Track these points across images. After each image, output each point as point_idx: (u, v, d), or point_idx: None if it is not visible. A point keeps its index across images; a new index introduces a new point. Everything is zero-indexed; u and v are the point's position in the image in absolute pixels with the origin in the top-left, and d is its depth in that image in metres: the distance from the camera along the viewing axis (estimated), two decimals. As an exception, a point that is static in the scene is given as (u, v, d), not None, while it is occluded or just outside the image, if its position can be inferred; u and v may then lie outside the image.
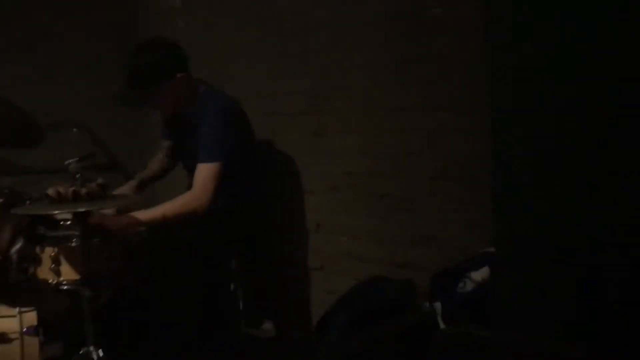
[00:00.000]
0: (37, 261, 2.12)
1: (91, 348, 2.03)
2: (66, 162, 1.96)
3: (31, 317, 2.18)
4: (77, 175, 1.95)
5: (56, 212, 1.90)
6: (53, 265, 2.09)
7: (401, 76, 2.37)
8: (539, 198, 1.59)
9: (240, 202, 2.54)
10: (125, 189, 2.68)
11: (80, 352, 2.06)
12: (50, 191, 1.90)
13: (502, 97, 1.65)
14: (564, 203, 1.54)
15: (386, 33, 2.41)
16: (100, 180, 1.98)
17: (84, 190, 1.91)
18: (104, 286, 2.14)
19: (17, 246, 2.16)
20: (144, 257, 2.26)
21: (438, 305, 2.03)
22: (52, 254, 2.09)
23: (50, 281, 2.10)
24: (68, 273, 2.09)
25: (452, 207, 2.27)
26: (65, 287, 2.09)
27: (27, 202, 2.03)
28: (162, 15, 3.40)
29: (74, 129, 3.16)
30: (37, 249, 2.12)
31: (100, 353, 2.03)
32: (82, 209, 1.91)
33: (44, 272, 2.11)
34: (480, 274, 1.97)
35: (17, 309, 2.16)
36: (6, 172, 2.92)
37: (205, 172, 2.37)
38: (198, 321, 2.45)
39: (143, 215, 2.31)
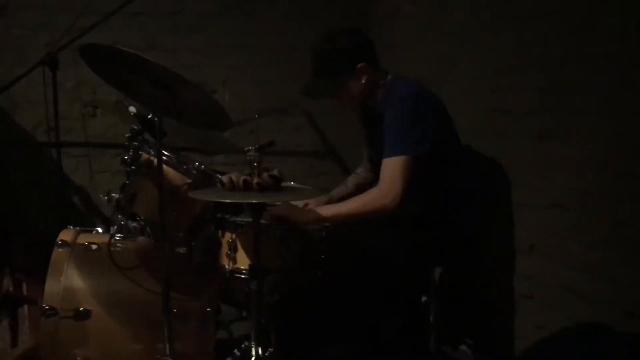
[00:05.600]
0: (219, 245, 2.12)
1: (252, 344, 1.94)
2: (245, 149, 1.88)
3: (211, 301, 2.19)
4: (255, 164, 1.86)
5: (224, 200, 1.83)
6: (229, 252, 2.07)
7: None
8: None
9: (436, 206, 2.24)
10: (312, 204, 2.53)
11: (242, 346, 2.00)
12: (224, 178, 1.85)
13: None
14: None
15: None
16: (275, 172, 1.86)
17: (255, 181, 1.81)
18: (275, 282, 2.04)
19: (203, 227, 2.18)
20: (323, 257, 2.12)
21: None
22: (230, 240, 2.07)
23: (226, 267, 2.09)
24: (242, 262, 2.05)
25: None
26: (237, 276, 2.05)
27: (217, 183, 1.99)
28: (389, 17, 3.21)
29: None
30: (219, 233, 2.12)
31: (260, 351, 1.93)
32: (250, 200, 1.81)
33: (223, 257, 2.11)
34: None
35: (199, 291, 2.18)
36: (209, 150, 3.06)
37: (390, 167, 2.11)
38: (378, 332, 2.23)
39: (326, 211, 2.15)
